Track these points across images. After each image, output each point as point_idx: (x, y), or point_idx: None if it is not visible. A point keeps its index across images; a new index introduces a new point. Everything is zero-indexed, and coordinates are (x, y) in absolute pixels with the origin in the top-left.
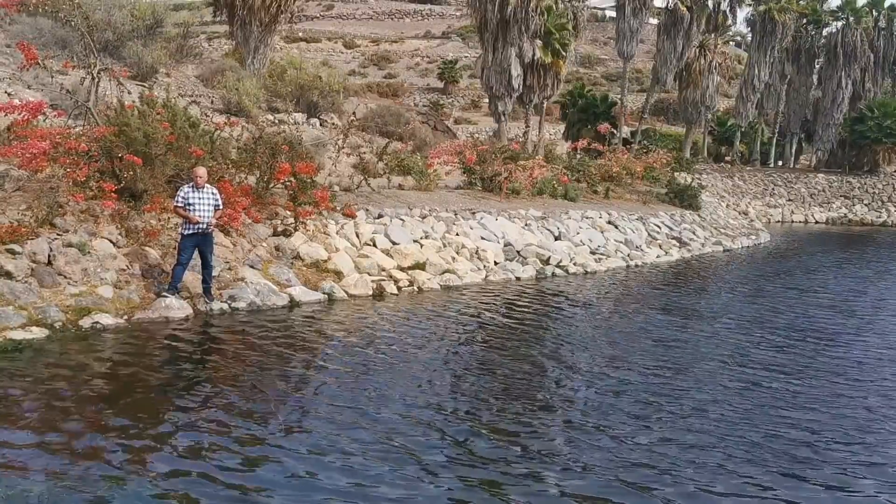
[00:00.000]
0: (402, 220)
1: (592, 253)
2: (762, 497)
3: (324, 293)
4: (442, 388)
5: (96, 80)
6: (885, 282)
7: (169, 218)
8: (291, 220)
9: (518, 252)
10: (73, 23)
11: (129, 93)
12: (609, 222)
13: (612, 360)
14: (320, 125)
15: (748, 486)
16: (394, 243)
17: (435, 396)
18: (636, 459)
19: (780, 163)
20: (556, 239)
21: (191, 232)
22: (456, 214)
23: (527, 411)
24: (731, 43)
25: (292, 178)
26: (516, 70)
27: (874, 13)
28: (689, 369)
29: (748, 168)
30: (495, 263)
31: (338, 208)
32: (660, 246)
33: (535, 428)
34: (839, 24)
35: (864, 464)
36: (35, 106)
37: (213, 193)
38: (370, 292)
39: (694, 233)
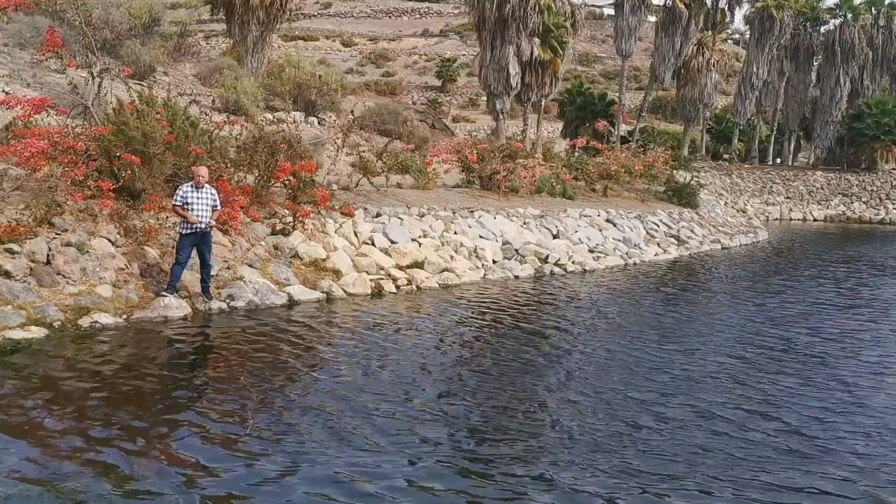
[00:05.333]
0: (400, 218)
1: (591, 251)
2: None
3: (322, 292)
4: (441, 388)
5: (98, 79)
6: (884, 287)
7: (167, 217)
8: (290, 218)
9: (516, 251)
10: (77, 21)
11: (137, 92)
12: (607, 220)
13: (609, 360)
14: (318, 124)
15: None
16: (392, 242)
17: (434, 396)
18: (632, 460)
19: (778, 160)
20: (555, 237)
21: (189, 231)
22: (454, 213)
23: (524, 410)
24: (729, 41)
25: (291, 177)
26: (514, 68)
27: (873, 10)
28: (686, 370)
29: (746, 166)
30: (494, 262)
31: (336, 207)
32: (658, 244)
33: (532, 427)
34: (837, 21)
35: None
36: (38, 102)
37: (211, 193)
38: (369, 291)
39: (692, 231)
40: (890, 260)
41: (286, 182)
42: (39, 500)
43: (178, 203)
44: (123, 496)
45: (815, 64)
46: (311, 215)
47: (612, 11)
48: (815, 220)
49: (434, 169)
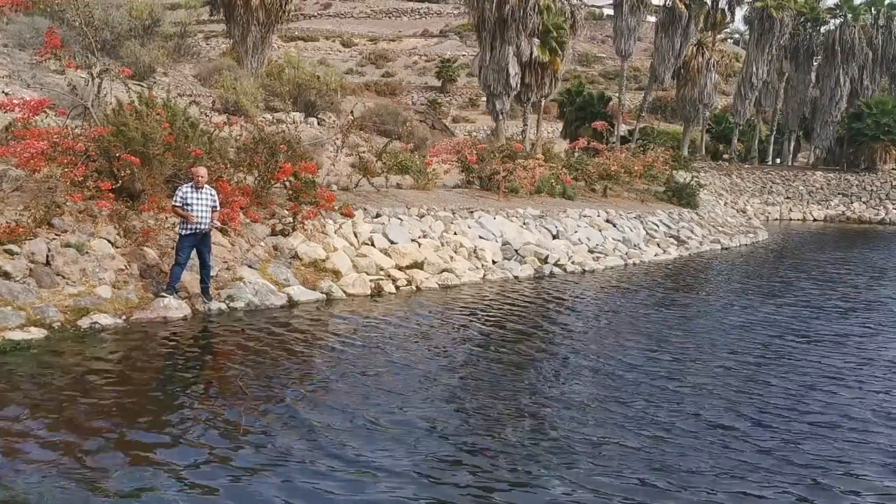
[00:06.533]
0: (400, 219)
1: (591, 251)
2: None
3: (322, 293)
4: (439, 390)
5: (97, 80)
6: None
7: (167, 218)
8: (290, 219)
9: (516, 251)
10: (77, 22)
11: (136, 92)
12: (607, 221)
13: (609, 360)
14: (318, 124)
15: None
16: (392, 242)
17: (432, 396)
18: (631, 462)
19: (777, 160)
20: (555, 238)
21: (189, 232)
22: (454, 213)
23: (523, 411)
24: (729, 41)
25: (292, 178)
26: (514, 68)
27: (873, 10)
28: (685, 370)
29: (746, 166)
30: (493, 262)
31: (336, 207)
32: (658, 244)
33: (531, 428)
34: (837, 21)
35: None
36: (36, 104)
37: (211, 194)
38: (368, 292)
39: (692, 231)
40: (889, 261)
41: (286, 183)
42: (38, 500)
43: (177, 204)
44: (119, 496)
45: (814, 64)
46: (315, 217)
47: (611, 12)
48: (814, 220)
49: (434, 169)
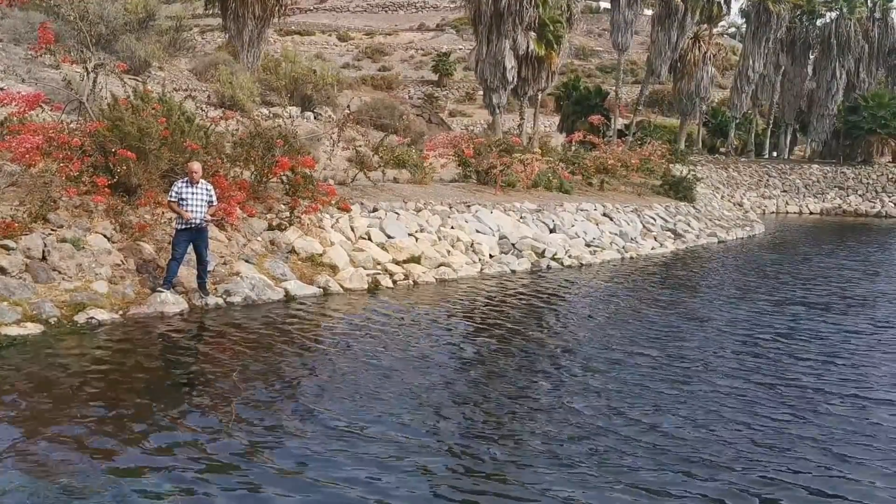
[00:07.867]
0: (396, 213)
1: (587, 245)
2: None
3: (319, 287)
4: (434, 386)
5: (92, 74)
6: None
7: (163, 213)
8: (287, 213)
9: (513, 245)
10: (71, 16)
11: (133, 88)
12: (604, 214)
13: (605, 354)
14: (314, 119)
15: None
16: (389, 237)
17: (427, 394)
18: (626, 460)
19: (774, 154)
20: (551, 231)
21: (184, 226)
22: (451, 207)
23: (521, 406)
24: (725, 34)
25: (290, 173)
26: (510, 62)
27: (869, 3)
28: (677, 366)
29: (743, 159)
30: (490, 256)
31: (333, 202)
32: (655, 238)
33: (529, 425)
34: (833, 14)
35: None
36: (32, 98)
37: (206, 189)
38: (365, 286)
39: (689, 224)
40: (884, 255)
41: (283, 178)
42: (36, 496)
43: (172, 199)
44: (116, 489)
45: (811, 57)
46: (316, 212)
47: (608, 5)
48: (811, 213)
49: (430, 164)
